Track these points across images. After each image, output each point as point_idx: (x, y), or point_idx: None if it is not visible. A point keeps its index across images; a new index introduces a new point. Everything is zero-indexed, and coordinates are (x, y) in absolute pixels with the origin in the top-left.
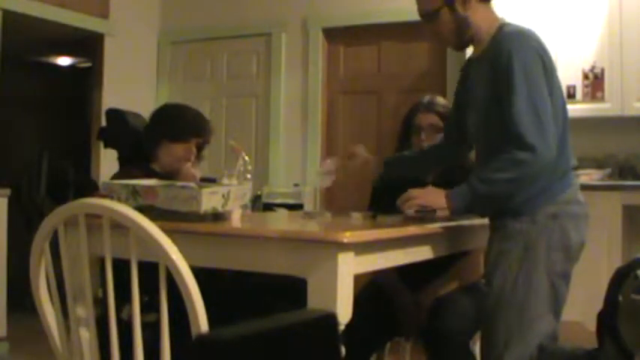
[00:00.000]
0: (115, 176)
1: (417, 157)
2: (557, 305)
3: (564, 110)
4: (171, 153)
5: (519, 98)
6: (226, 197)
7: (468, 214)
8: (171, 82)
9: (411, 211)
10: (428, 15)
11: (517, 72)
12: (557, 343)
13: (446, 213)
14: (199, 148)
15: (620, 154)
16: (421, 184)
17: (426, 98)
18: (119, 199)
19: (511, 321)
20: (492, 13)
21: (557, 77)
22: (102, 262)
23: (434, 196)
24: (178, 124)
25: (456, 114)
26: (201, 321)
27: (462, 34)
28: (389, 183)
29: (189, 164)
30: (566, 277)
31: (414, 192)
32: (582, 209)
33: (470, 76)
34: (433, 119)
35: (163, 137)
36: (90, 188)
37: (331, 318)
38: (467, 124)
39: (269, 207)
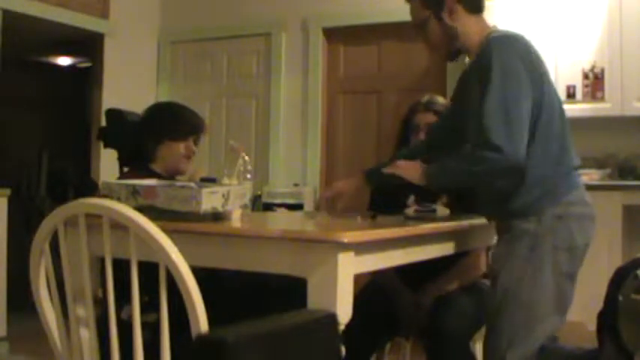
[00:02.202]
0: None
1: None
2: (562, 305)
3: (562, 111)
4: (173, 151)
5: (492, 99)
6: (226, 197)
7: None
8: (172, 82)
9: (410, 211)
10: (417, 24)
11: (494, 74)
12: (557, 343)
13: (446, 214)
14: (194, 144)
15: (620, 154)
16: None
17: (425, 98)
18: (119, 199)
19: (516, 320)
20: (484, 24)
21: (549, 81)
22: (102, 262)
23: (411, 170)
24: (178, 122)
25: (449, 121)
26: (201, 321)
27: (451, 44)
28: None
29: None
30: (571, 277)
31: (400, 162)
32: (588, 210)
33: (465, 86)
34: (432, 119)
35: (165, 137)
36: (90, 188)
37: (331, 318)
38: (463, 134)
39: (269, 207)
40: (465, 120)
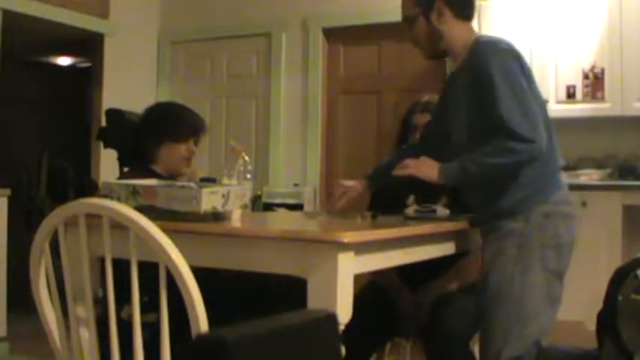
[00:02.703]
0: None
1: (394, 162)
2: (553, 302)
3: (545, 111)
4: (173, 153)
5: (504, 98)
6: (226, 197)
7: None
8: (171, 82)
9: (410, 211)
10: (406, 20)
11: (497, 75)
12: (556, 343)
13: (446, 214)
14: (194, 145)
15: (620, 154)
16: (421, 182)
17: (424, 98)
18: (119, 199)
19: (509, 318)
20: (470, 30)
21: (535, 83)
22: (102, 262)
23: (427, 169)
24: (179, 124)
25: (437, 123)
26: (201, 321)
27: (435, 45)
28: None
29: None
30: (559, 274)
31: (409, 161)
32: (572, 209)
33: (452, 88)
34: (429, 119)
35: (166, 138)
36: (90, 188)
37: (331, 318)
38: (448, 133)
39: (269, 207)
40: (451, 118)
